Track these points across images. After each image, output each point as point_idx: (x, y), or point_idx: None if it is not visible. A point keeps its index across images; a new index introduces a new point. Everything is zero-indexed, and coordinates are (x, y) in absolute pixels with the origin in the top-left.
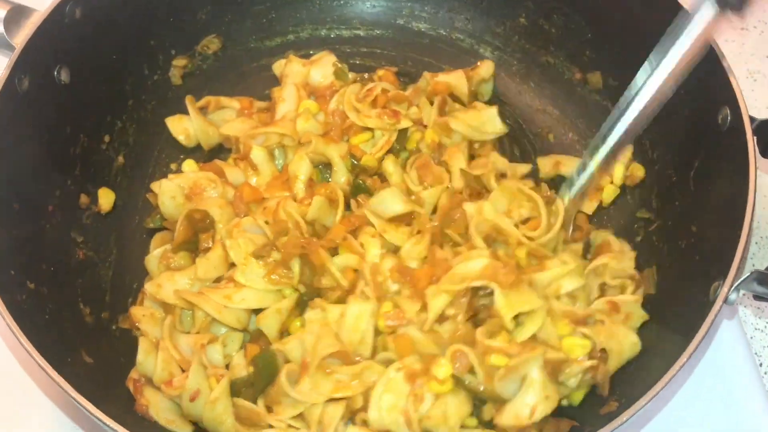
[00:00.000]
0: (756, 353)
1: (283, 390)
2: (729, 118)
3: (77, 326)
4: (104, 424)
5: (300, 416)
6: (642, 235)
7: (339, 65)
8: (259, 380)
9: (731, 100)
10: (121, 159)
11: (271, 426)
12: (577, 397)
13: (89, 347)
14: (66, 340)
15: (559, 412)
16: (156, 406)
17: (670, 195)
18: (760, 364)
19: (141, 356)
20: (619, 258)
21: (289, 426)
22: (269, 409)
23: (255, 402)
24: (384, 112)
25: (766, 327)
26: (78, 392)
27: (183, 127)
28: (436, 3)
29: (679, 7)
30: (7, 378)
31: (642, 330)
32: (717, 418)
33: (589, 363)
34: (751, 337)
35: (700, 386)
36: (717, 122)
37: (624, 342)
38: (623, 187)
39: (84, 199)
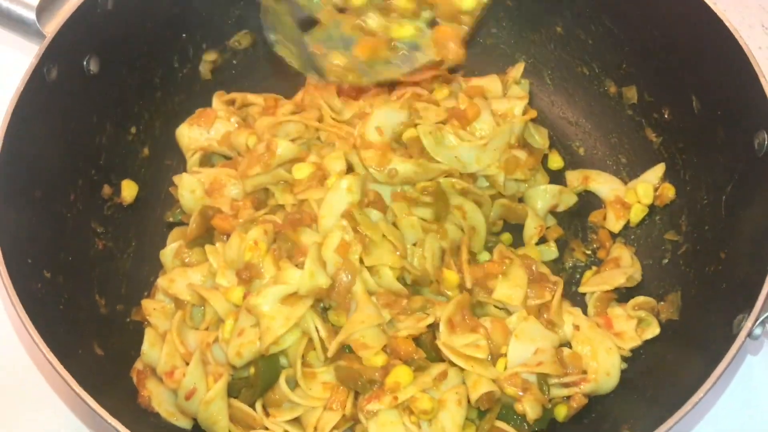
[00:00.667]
0: None
1: (283, 393)
2: (766, 142)
3: (91, 317)
4: (102, 417)
5: (296, 420)
6: (669, 258)
7: None
8: (259, 383)
9: None
10: (146, 151)
11: (266, 429)
12: (560, 412)
13: (101, 339)
14: (79, 331)
15: None
16: (158, 397)
17: (700, 218)
18: None
19: (146, 346)
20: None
21: (285, 431)
22: (267, 412)
23: (254, 403)
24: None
25: None
26: (80, 385)
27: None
28: None
29: (722, 26)
30: (19, 376)
31: (662, 356)
32: None
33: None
34: None
35: (731, 404)
36: (753, 146)
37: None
38: (652, 208)
39: (107, 189)
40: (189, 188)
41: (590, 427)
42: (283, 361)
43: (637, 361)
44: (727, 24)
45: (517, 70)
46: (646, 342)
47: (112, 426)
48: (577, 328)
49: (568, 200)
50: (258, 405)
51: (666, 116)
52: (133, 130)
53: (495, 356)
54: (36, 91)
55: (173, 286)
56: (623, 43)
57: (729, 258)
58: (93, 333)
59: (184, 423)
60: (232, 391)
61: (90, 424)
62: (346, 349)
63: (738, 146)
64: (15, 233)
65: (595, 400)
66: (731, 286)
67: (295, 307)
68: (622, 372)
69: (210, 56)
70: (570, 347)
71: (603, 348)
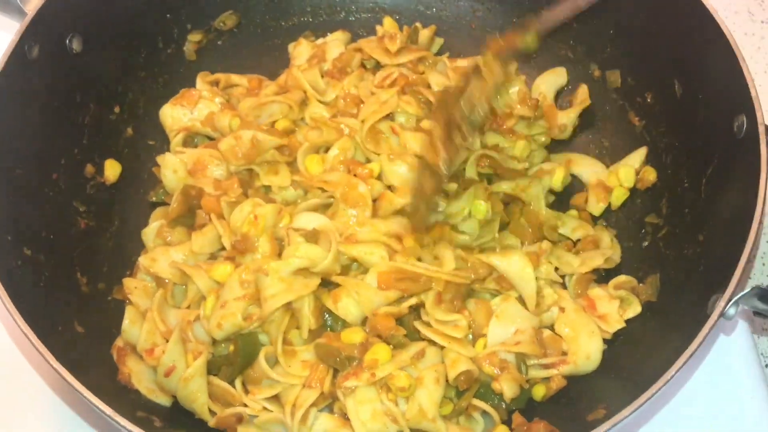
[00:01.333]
0: (762, 354)
1: (262, 371)
2: (745, 126)
3: (72, 295)
4: (80, 393)
5: (275, 398)
6: (649, 240)
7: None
8: (239, 360)
9: (748, 107)
10: (129, 131)
11: (245, 406)
12: (538, 392)
13: (82, 317)
14: (59, 308)
15: (541, 416)
16: (138, 375)
17: (680, 201)
18: (766, 365)
19: (126, 324)
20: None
21: (264, 408)
22: (246, 389)
23: (233, 381)
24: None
25: None
26: (58, 361)
27: None
28: None
29: (704, 10)
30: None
31: (639, 338)
32: (719, 417)
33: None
34: (758, 337)
35: (703, 383)
36: (733, 129)
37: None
38: (633, 191)
39: (90, 169)
40: (172, 168)
41: (567, 407)
42: (262, 338)
43: (615, 342)
44: (708, 8)
45: None
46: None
47: (91, 403)
48: (562, 310)
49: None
50: (237, 382)
51: (649, 100)
52: (117, 109)
53: (476, 336)
54: (17, 68)
55: (155, 265)
56: (608, 28)
57: (707, 240)
58: (74, 311)
59: (164, 400)
60: (212, 369)
61: (83, 414)
62: (327, 328)
63: (718, 129)
64: None
65: (572, 380)
66: (708, 268)
67: (308, 280)
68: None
69: (195, 37)
70: (553, 331)
71: (586, 331)
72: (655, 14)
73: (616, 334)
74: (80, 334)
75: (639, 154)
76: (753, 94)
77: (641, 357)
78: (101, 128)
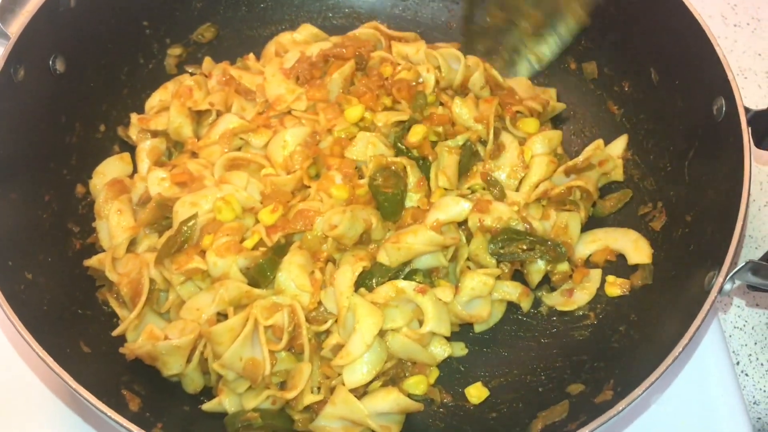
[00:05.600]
0: (733, 351)
1: None
2: (724, 108)
3: (75, 317)
4: (107, 416)
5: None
6: (643, 226)
7: None
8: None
9: (726, 90)
10: (116, 148)
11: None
12: None
13: (87, 337)
14: (65, 330)
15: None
16: None
17: (664, 185)
18: (737, 363)
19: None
20: None
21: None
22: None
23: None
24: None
25: (745, 326)
26: (78, 382)
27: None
28: None
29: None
30: (11, 375)
31: (638, 320)
32: (691, 414)
33: None
34: (730, 336)
35: (676, 383)
36: (712, 112)
37: None
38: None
39: (80, 189)
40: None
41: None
42: None
43: (617, 328)
44: None
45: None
46: (623, 309)
47: (112, 419)
48: None
49: None
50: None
51: (626, 89)
52: (102, 128)
53: None
54: (5, 91)
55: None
56: None
57: (695, 220)
58: (78, 332)
59: None
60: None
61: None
62: None
63: (697, 113)
64: None
65: (578, 366)
66: (700, 247)
67: None
68: (605, 339)
69: (174, 51)
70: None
71: None
72: (626, 4)
73: (616, 323)
74: (87, 353)
75: (620, 142)
76: (730, 77)
77: (644, 338)
78: (88, 148)
